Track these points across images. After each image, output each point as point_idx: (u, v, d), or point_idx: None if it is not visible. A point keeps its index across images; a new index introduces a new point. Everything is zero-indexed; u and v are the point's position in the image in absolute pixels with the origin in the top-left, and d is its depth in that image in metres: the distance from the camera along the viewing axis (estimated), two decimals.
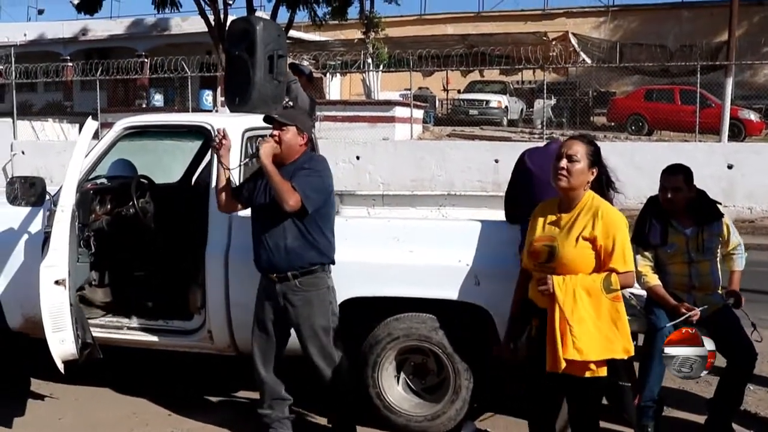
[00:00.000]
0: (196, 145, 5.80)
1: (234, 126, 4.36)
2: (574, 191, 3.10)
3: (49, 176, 9.68)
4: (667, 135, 18.13)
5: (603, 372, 3.02)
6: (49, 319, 3.93)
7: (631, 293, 4.10)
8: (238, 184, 4.06)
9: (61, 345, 3.98)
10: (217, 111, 17.80)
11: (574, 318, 2.95)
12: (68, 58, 25.34)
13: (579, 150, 3.10)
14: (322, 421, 4.24)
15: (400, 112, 18.07)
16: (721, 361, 3.90)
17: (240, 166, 4.22)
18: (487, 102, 21.30)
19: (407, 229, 4.22)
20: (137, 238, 5.00)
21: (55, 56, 24.71)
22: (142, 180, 5.12)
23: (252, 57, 4.89)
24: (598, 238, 3.01)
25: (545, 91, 16.68)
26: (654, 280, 4.04)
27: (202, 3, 18.15)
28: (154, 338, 4.50)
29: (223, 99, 9.93)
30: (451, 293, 3.95)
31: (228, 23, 12.25)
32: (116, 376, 4.91)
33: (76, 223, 4.19)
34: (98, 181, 5.04)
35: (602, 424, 3.33)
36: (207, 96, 20.52)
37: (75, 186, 4.11)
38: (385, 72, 21.48)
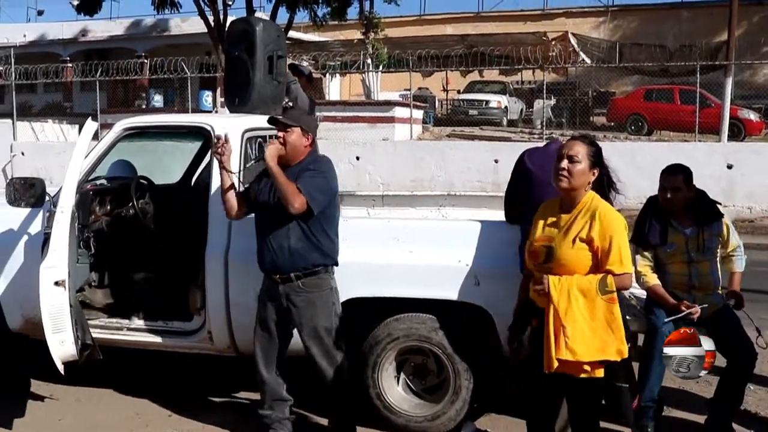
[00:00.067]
0: (195, 145, 5.79)
1: (233, 127, 4.36)
2: (575, 192, 3.10)
3: (48, 177, 9.71)
4: (666, 135, 18.13)
5: (599, 373, 3.01)
6: (48, 320, 3.92)
7: (631, 293, 4.10)
8: (240, 187, 4.05)
9: (61, 346, 3.97)
10: (216, 112, 17.78)
11: (567, 318, 2.96)
12: (68, 59, 25.35)
13: (580, 151, 3.10)
14: (323, 421, 4.23)
15: (399, 112, 18.08)
16: (721, 361, 3.90)
17: (240, 170, 4.19)
18: (487, 102, 21.32)
19: (407, 229, 4.21)
20: (137, 239, 4.99)
21: (54, 57, 24.75)
22: (141, 181, 5.11)
23: (252, 58, 4.89)
24: (595, 240, 3.01)
25: (545, 92, 16.70)
26: (653, 279, 4.04)
27: (202, 4, 18.15)
28: (154, 339, 4.50)
29: (222, 100, 9.95)
30: (451, 293, 3.95)
31: (227, 24, 12.25)
32: (116, 377, 4.91)
33: (76, 224, 4.19)
34: (98, 182, 5.03)
35: (602, 424, 3.33)
36: (207, 97, 20.50)
37: (75, 187, 4.11)
38: (384, 72, 21.52)
